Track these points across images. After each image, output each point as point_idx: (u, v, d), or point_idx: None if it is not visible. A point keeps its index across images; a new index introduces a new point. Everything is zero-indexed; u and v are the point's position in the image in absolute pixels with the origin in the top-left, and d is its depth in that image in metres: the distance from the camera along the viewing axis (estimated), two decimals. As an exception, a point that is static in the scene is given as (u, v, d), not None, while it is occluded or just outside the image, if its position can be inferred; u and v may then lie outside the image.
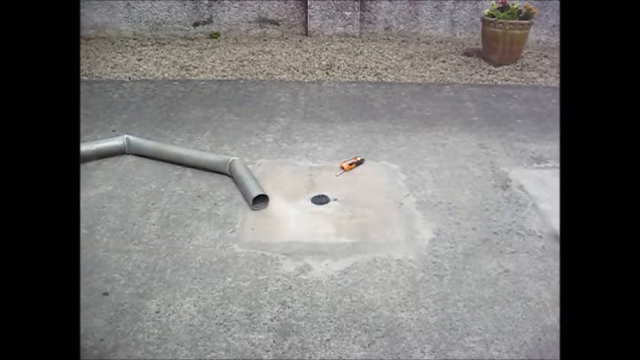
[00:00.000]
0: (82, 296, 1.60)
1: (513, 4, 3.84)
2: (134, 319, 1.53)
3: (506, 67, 3.92)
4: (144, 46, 4.23)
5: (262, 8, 4.50)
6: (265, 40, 4.45)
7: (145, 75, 3.63)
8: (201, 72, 3.70)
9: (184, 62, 3.87)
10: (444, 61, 4.05)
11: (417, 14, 4.63)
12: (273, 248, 1.84)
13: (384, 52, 4.25)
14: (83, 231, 1.92)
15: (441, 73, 3.82)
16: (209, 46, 4.27)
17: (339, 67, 3.87)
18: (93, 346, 1.44)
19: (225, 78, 3.60)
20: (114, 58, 3.95)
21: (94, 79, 3.57)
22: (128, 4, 4.40)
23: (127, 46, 4.24)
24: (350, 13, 4.53)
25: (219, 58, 3.98)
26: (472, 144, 2.69)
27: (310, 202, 2.14)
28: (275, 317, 1.54)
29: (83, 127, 2.74)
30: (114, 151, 2.48)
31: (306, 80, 3.60)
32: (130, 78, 3.58)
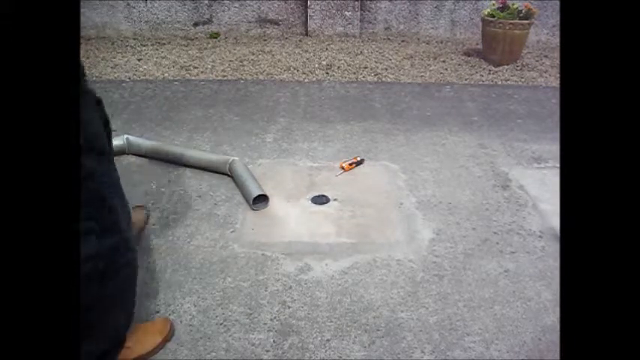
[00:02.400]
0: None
1: (513, 4, 3.84)
2: (134, 319, 1.53)
3: (506, 67, 3.93)
4: (144, 46, 4.24)
5: (262, 8, 4.51)
6: (265, 40, 4.45)
7: (145, 75, 3.63)
8: (201, 72, 3.70)
9: (184, 62, 3.88)
10: (444, 61, 4.05)
11: (417, 14, 4.63)
12: (273, 248, 1.84)
13: (384, 52, 4.25)
14: (83, 231, 1.92)
15: (441, 73, 3.82)
16: (209, 46, 4.27)
17: (339, 67, 3.87)
18: (93, 346, 1.44)
19: (225, 78, 3.60)
20: (114, 58, 3.95)
21: (94, 79, 3.57)
22: (128, 4, 4.40)
23: (127, 46, 4.24)
24: (350, 13, 4.53)
25: (219, 58, 3.98)
26: (472, 144, 2.69)
27: (310, 202, 2.14)
28: (275, 317, 1.54)
29: (83, 127, 2.73)
30: (114, 151, 2.48)
31: (306, 80, 3.60)
32: (130, 78, 3.58)
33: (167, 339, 1.45)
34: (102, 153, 1.20)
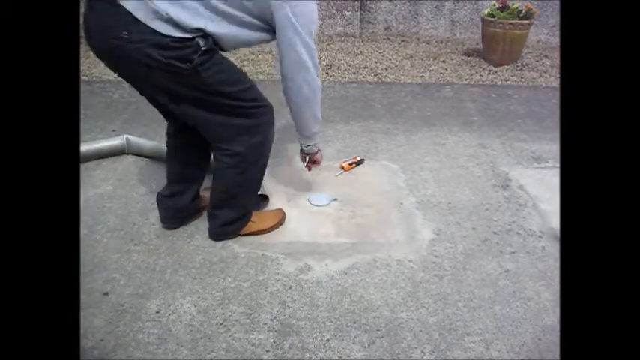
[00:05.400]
0: (82, 296, 1.60)
1: (513, 4, 3.84)
2: (134, 319, 1.53)
3: (506, 67, 3.93)
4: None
5: (262, 8, 4.50)
6: (265, 40, 4.45)
7: (145, 75, 3.63)
8: (201, 72, 3.70)
9: (184, 62, 3.87)
10: (444, 61, 4.05)
11: (417, 14, 4.63)
12: (273, 248, 1.84)
13: (384, 52, 4.25)
14: (83, 231, 1.92)
15: (441, 73, 3.82)
16: (209, 46, 4.27)
17: (339, 67, 3.87)
18: (93, 346, 1.44)
19: (225, 78, 3.60)
20: (114, 58, 3.95)
21: (94, 79, 3.57)
22: (128, 4, 4.40)
23: (127, 46, 4.23)
24: (350, 13, 4.53)
25: (219, 58, 3.98)
26: (472, 144, 2.69)
27: (310, 202, 2.14)
28: (275, 317, 1.54)
29: (83, 127, 2.74)
30: (114, 151, 2.48)
31: (306, 80, 3.60)
32: (130, 78, 3.57)
33: (281, 223, 1.95)
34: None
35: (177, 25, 1.39)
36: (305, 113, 1.69)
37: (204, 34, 1.43)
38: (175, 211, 1.92)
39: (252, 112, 1.62)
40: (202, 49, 1.43)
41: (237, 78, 1.58)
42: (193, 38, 1.41)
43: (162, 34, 1.38)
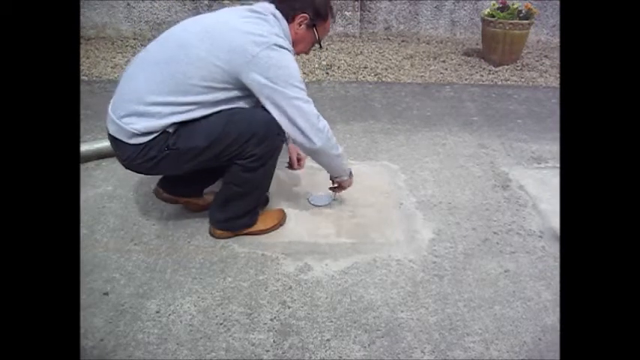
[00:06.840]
0: (82, 296, 1.60)
1: (513, 4, 3.84)
2: (134, 319, 1.53)
3: (506, 67, 3.93)
4: (144, 46, 4.23)
5: (262, 8, 4.50)
6: (265, 40, 4.44)
7: (145, 75, 3.62)
8: (201, 72, 3.69)
9: (184, 62, 3.87)
10: (444, 61, 4.05)
11: (417, 14, 4.63)
12: (273, 248, 1.84)
13: (384, 52, 4.25)
14: (83, 231, 1.92)
15: (441, 73, 3.82)
16: (209, 46, 4.27)
17: (339, 67, 3.87)
18: (93, 346, 1.44)
19: (225, 78, 3.59)
20: (114, 58, 3.95)
21: (94, 79, 3.57)
22: (128, 4, 4.40)
23: (127, 46, 4.24)
24: (350, 13, 4.53)
25: (219, 58, 3.97)
26: (472, 144, 2.69)
27: (310, 202, 2.14)
28: (275, 317, 1.54)
29: (83, 127, 2.74)
30: (114, 151, 2.47)
31: (305, 80, 3.60)
32: (130, 78, 3.57)
33: (281, 223, 1.96)
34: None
35: None
36: (325, 162, 1.84)
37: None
38: (175, 180, 1.90)
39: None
40: None
41: None
42: None
43: None
